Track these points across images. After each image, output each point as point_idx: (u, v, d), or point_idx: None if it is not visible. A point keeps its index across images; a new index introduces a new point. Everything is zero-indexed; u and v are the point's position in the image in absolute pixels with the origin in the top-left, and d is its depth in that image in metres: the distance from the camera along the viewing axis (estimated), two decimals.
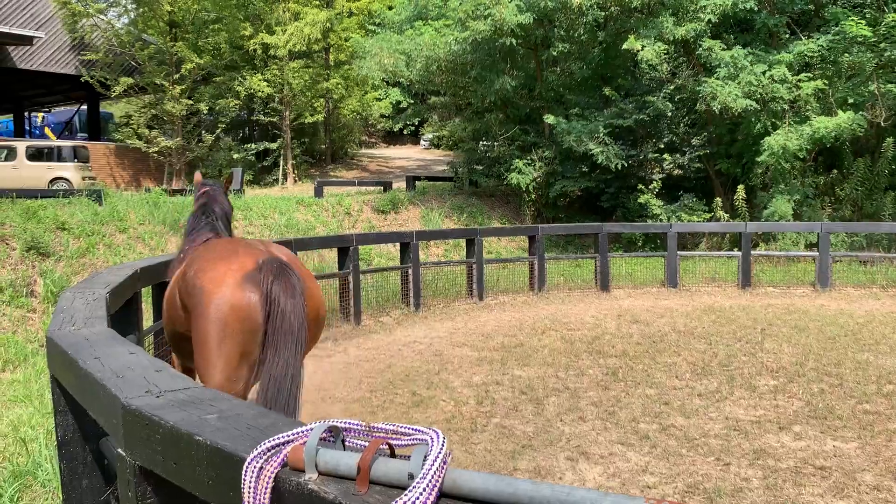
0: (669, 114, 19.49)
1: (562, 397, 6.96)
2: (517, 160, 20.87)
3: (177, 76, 26.75)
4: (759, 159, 17.11)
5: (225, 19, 29.89)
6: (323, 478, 1.49)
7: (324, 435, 1.54)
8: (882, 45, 16.40)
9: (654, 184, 19.52)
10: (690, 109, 19.97)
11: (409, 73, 22.42)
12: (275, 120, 31.47)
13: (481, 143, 26.60)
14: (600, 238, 14.28)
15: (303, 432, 1.55)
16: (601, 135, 18.87)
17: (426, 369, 8.09)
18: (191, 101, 27.95)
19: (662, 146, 20.09)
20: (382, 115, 40.19)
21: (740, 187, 18.15)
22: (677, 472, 5.09)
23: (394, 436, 1.51)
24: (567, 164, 21.17)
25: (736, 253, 14.62)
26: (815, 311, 11.54)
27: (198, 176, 5.55)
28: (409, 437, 1.48)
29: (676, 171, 20.86)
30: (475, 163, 25.06)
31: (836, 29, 16.82)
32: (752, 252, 14.72)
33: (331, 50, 34.05)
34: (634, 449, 5.56)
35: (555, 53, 20.60)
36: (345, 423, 1.55)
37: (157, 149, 26.63)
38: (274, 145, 31.81)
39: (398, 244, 13.03)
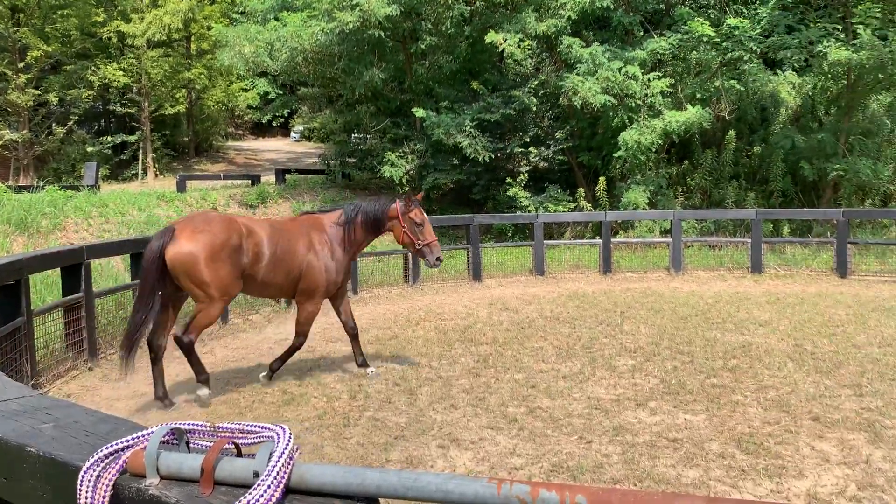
0: (534, 108, 20.12)
1: (434, 386, 7.06)
2: (389, 153, 20.89)
3: (21, 64, 24.80)
4: (616, 154, 18.00)
5: (75, 4, 27.99)
6: (165, 482, 1.44)
7: (166, 438, 1.49)
8: (724, 44, 17.65)
9: (522, 176, 20.11)
10: (554, 104, 20.70)
11: (274, 64, 21.89)
12: (133, 111, 29.85)
13: (353, 135, 26.44)
14: (472, 229, 14.55)
15: (143, 436, 1.49)
16: (469, 128, 19.23)
17: (298, 366, 7.96)
18: (38, 92, 26.03)
19: (528, 140, 20.73)
20: (250, 107, 39.06)
21: (601, 179, 19.04)
22: (543, 453, 5.29)
23: (240, 434, 1.48)
24: (439, 157, 21.41)
25: (597, 241, 15.32)
26: (669, 294, 12.30)
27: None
28: (255, 435, 1.45)
29: (542, 164, 21.58)
30: (347, 155, 24.89)
31: (685, 28, 17.95)
32: (612, 240, 15.49)
33: (192, 39, 32.67)
34: (503, 432, 5.73)
35: (423, 47, 20.76)
36: (188, 424, 1.50)
37: (1, 142, 24.61)
38: (132, 138, 30.18)
39: None
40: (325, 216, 7.33)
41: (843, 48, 15.66)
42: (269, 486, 1.28)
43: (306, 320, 7.26)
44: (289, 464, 1.35)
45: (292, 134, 47.93)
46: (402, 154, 21.00)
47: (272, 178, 26.66)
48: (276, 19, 23.26)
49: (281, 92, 34.81)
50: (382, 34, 19.41)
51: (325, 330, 10.03)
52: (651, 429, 5.78)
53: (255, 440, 1.45)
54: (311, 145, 42.56)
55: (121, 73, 27.73)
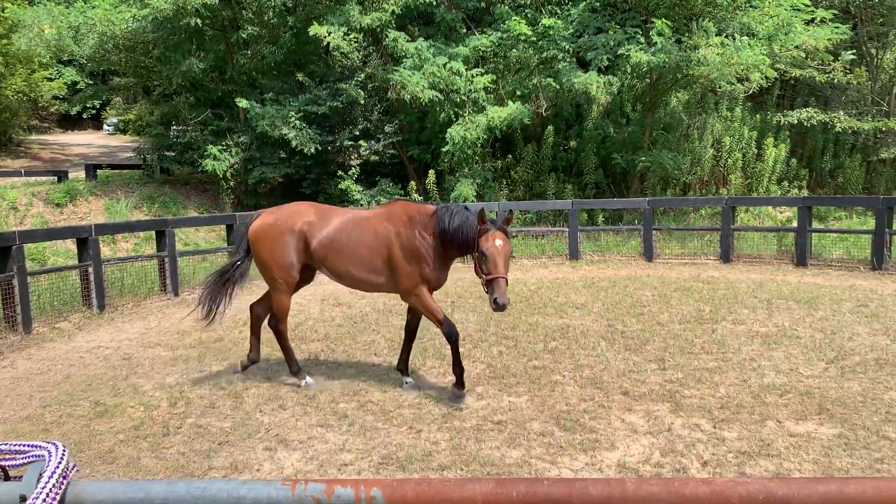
0: (362, 101, 20.09)
1: (262, 388, 6.86)
2: (211, 146, 20.03)
3: None
4: (444, 149, 18.41)
5: None
6: None
7: None
8: (540, 43, 18.55)
9: (353, 170, 20.04)
10: (382, 98, 20.79)
11: (80, 50, 20.24)
12: None
13: (172, 127, 25.05)
14: None
15: None
16: (295, 120, 18.87)
17: (112, 375, 7.43)
18: None
19: (358, 133, 20.67)
20: (56, 97, 35.85)
21: (431, 172, 19.41)
22: (373, 446, 5.31)
23: (8, 456, 1.34)
24: (265, 150, 20.82)
25: None
26: None
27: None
28: (24, 456, 1.32)
29: (373, 157, 21.62)
30: (166, 149, 23.55)
31: (505, 27, 18.67)
32: None
33: None
34: (333, 429, 5.68)
35: (245, 36, 20.08)
36: None
37: None
38: None
39: (75, 240, 11.74)
40: (418, 207, 6.50)
41: (643, 52, 16.97)
42: None
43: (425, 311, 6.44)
44: (61, 483, 1.24)
45: (105, 127, 44.59)
46: (225, 147, 20.21)
47: (82, 173, 24.67)
48: (85, 1, 21.50)
49: (91, 81, 32.22)
50: (200, 22, 18.53)
51: (143, 335, 9.45)
52: (478, 413, 5.97)
53: (25, 461, 1.32)
54: (126, 138, 39.84)
55: None
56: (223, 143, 20.44)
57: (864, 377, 6.66)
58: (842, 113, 20.44)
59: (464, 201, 18.01)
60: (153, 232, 13.23)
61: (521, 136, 21.02)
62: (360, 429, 5.67)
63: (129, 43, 20.19)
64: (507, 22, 18.45)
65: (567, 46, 18.40)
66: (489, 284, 5.70)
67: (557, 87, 19.35)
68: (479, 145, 18.83)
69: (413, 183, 19.97)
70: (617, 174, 20.72)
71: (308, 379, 6.84)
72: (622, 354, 7.71)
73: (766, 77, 18.34)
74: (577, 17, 18.74)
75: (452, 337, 6.23)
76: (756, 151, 20.62)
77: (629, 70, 18.44)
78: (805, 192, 20.40)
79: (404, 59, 18.15)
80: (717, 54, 16.22)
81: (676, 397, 6.26)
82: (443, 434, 5.51)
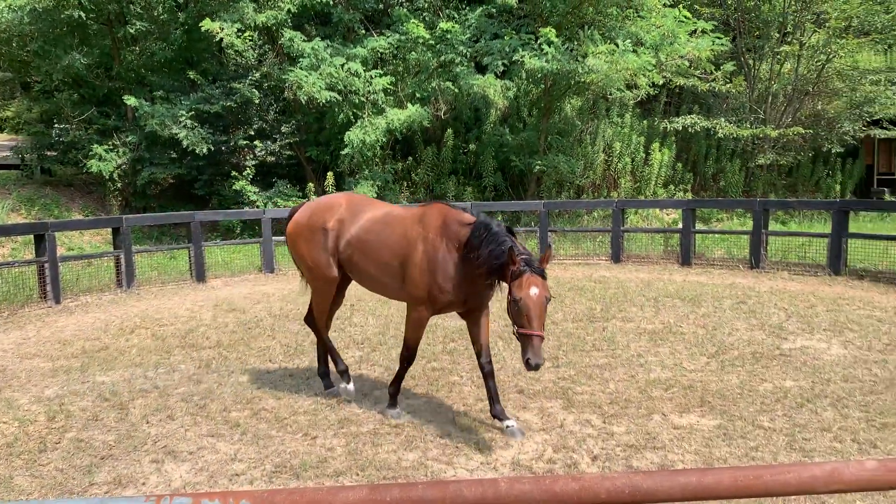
0: (257, 101, 19.63)
1: (150, 398, 6.57)
2: (97, 146, 19.05)
3: None
4: (343, 151, 18.23)
5: None
6: None
7: None
8: (438, 46, 18.69)
9: (248, 170, 19.54)
10: (278, 98, 20.38)
11: None
12: None
13: (54, 126, 23.65)
14: (193, 227, 13.82)
15: None
16: (186, 119, 18.24)
17: None
18: None
19: (253, 133, 20.17)
20: None
21: (330, 174, 19.19)
22: (266, 455, 5.18)
23: None
24: (155, 150, 19.98)
25: None
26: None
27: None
28: None
29: (269, 158, 21.15)
30: (47, 148, 22.17)
31: (403, 29, 18.70)
32: None
33: None
34: (225, 439, 5.51)
35: (133, 31, 19.23)
36: None
37: None
38: None
39: None
40: (456, 215, 5.60)
41: (537, 58, 17.39)
42: None
43: (408, 327, 5.84)
44: None
45: None
46: (111, 147, 19.28)
47: None
48: None
49: None
50: (83, 15, 17.61)
51: (19, 346, 8.88)
52: (375, 417, 5.94)
53: None
54: (3, 137, 37.34)
55: None
56: (110, 142, 19.48)
57: (741, 370, 7.06)
58: (723, 120, 21.63)
59: None
60: (30, 235, 12.44)
61: (421, 138, 21.10)
62: (252, 437, 5.53)
63: (4, 35, 18.94)
64: (405, 24, 18.49)
65: (464, 51, 18.62)
66: (522, 339, 4.84)
67: (456, 90, 19.53)
68: (379, 147, 18.78)
69: (311, 185, 19.68)
70: (515, 177, 21.14)
71: (349, 385, 6.49)
72: (518, 354, 7.85)
73: (653, 84, 19.18)
74: (474, 22, 19.00)
75: (405, 361, 5.88)
76: (644, 156, 21.52)
77: (524, 76, 18.85)
78: (689, 195, 21.45)
79: (301, 59, 17.87)
80: (605, 62, 16.83)
81: (569, 394, 6.43)
82: (339, 440, 5.45)
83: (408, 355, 5.85)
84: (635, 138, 21.57)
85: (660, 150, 21.26)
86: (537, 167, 19.28)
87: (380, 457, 5.10)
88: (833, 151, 22.44)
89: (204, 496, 1.21)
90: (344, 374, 6.51)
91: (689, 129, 21.66)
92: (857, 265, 12.48)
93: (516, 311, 4.82)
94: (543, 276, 4.90)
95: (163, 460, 5.13)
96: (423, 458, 5.10)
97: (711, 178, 23.00)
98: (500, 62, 18.10)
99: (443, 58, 18.71)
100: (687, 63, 19.88)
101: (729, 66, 21.16)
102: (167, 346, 8.62)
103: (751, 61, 23.00)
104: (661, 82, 19.53)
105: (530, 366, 4.78)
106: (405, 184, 20.80)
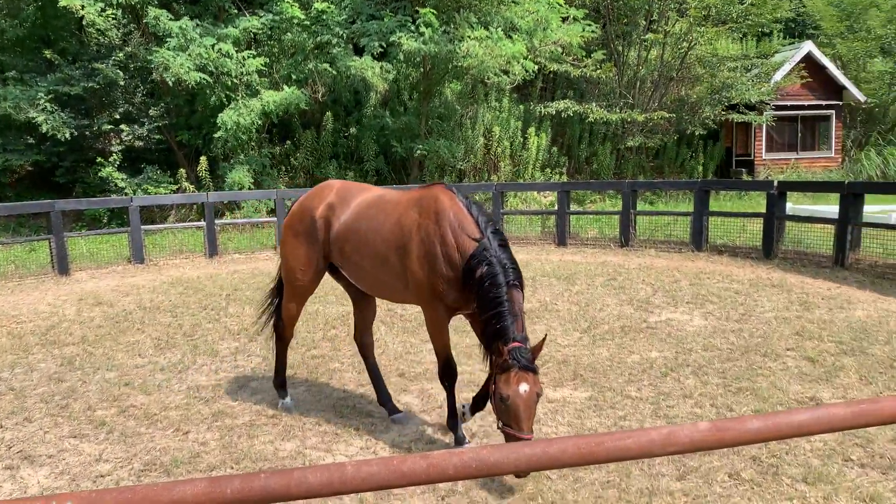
0: (122, 82, 18.58)
1: (4, 400, 6.11)
2: None
3: None
4: (216, 134, 17.57)
5: None
6: None
7: None
8: (314, 27, 18.31)
9: (115, 156, 18.50)
10: (145, 79, 19.36)
11: None
12: None
13: None
14: (53, 217, 12.94)
15: None
16: (44, 102, 17.02)
17: None
18: None
19: (119, 116, 19.08)
20: None
21: (203, 158, 18.45)
22: (135, 453, 4.94)
23: None
24: (9, 135, 18.56)
25: (202, 223, 14.83)
26: (276, 273, 12.42)
27: None
28: None
29: (137, 143, 20.09)
30: None
31: (277, 9, 18.17)
32: (218, 221, 15.14)
33: None
34: (89, 439, 5.21)
35: None
36: None
37: None
38: None
39: None
40: (456, 207, 4.74)
41: (413, 40, 17.38)
42: None
43: (430, 334, 5.01)
44: None
45: None
46: None
47: None
48: None
49: None
50: None
51: None
52: (251, 408, 5.79)
53: None
54: None
55: None
56: None
57: (611, 343, 7.39)
58: (594, 105, 22.43)
59: (239, 188, 17.35)
60: None
61: (299, 121, 20.66)
62: (120, 436, 5.26)
63: None
64: (279, 4, 17.97)
65: (341, 32, 18.34)
66: (509, 441, 4.05)
67: (334, 72, 19.22)
68: (255, 131, 18.22)
69: (183, 170, 18.86)
70: (397, 161, 21.10)
71: (286, 400, 5.82)
72: (400, 337, 7.88)
73: (527, 70, 19.60)
74: (350, 3, 18.73)
75: (442, 378, 4.96)
76: (522, 140, 22.02)
77: (402, 58, 18.80)
78: (565, 178, 22.17)
79: (168, 39, 17.03)
80: (481, 47, 17.05)
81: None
82: (213, 433, 5.28)
83: (442, 367, 4.94)
84: (513, 123, 22.02)
85: (537, 135, 21.81)
86: (419, 151, 19.32)
87: (256, 448, 4.98)
88: (696, 134, 23.77)
89: (26, 501, 1.13)
90: (281, 388, 5.92)
91: (564, 114, 22.33)
92: (717, 241, 13.32)
93: (503, 409, 4.11)
94: (535, 372, 4.17)
95: (18, 466, 4.78)
96: (301, 447, 5.02)
97: (585, 161, 23.84)
98: (377, 44, 17.95)
99: (319, 39, 18.35)
100: (560, 49, 20.45)
101: (599, 54, 21.94)
102: (25, 344, 8.05)
103: (620, 48, 23.94)
104: (535, 69, 19.99)
105: (517, 475, 3.84)
106: (284, 168, 20.32)
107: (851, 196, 11.17)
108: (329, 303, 9.79)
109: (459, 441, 4.92)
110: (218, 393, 6.16)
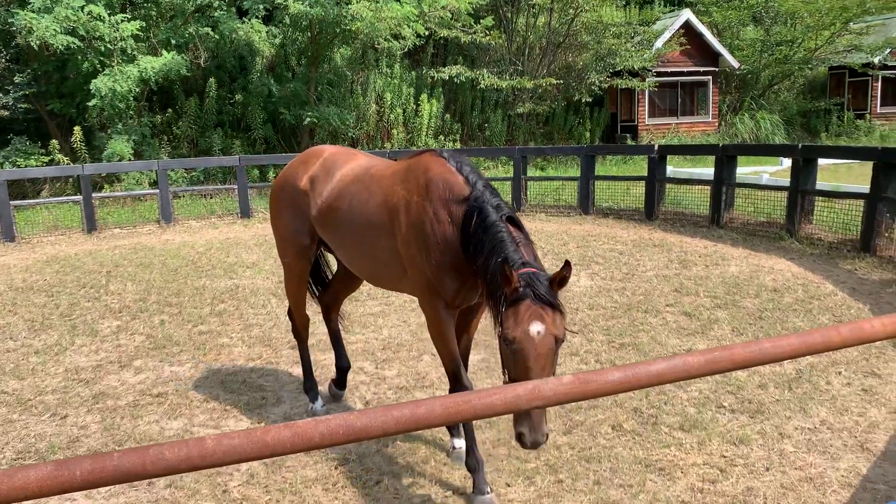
0: None
1: None
2: None
3: None
4: (91, 103, 16.55)
5: None
6: None
7: None
8: None
9: None
10: (9, 44, 17.94)
11: None
12: None
13: None
14: None
15: None
16: None
17: None
18: None
19: None
20: None
21: (77, 129, 17.35)
22: (7, 441, 4.66)
23: None
24: None
25: (78, 197, 13.99)
26: (160, 247, 11.95)
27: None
28: None
29: (3, 112, 18.65)
30: None
31: None
32: (96, 195, 14.34)
33: None
34: None
35: None
36: None
37: None
38: None
39: None
40: (447, 177, 3.83)
41: (301, 3, 16.87)
42: None
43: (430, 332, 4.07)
44: None
45: None
46: None
47: None
48: None
49: None
50: None
51: None
52: (135, 388, 5.56)
53: None
54: None
55: None
56: None
57: None
58: (486, 71, 22.57)
59: (119, 160, 16.46)
60: None
61: (181, 88, 19.73)
62: None
63: None
64: None
65: None
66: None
67: (217, 37, 18.44)
68: (133, 98, 17.26)
69: (56, 141, 17.68)
70: (286, 130, 20.56)
71: (316, 404, 5.10)
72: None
73: (418, 34, 19.45)
74: None
75: (451, 380, 4.02)
76: (415, 107, 21.92)
77: (289, 21, 18.23)
78: (458, 145, 22.28)
79: (31, 1, 15.80)
80: (370, 9, 16.76)
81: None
82: (93, 416, 5.04)
83: (452, 386, 4.04)
84: (405, 89, 21.87)
85: (429, 101, 21.76)
86: (308, 119, 18.90)
87: (140, 429, 4.80)
88: (583, 101, 24.35)
89: None
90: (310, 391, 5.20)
91: (456, 80, 22.36)
92: (603, 205, 13.79)
93: (509, 355, 3.11)
94: (553, 306, 3.08)
95: None
96: (188, 424, 4.88)
97: (478, 127, 24.03)
98: (261, 6, 17.32)
99: (199, 1, 17.50)
100: (449, 14, 20.38)
101: (489, 20, 22.02)
102: None
103: (509, 14, 24.12)
104: (425, 33, 19.85)
105: (525, 443, 3.05)
106: (166, 138, 19.40)
107: (726, 158, 11.80)
108: (216, 277, 9.50)
109: (478, 474, 3.91)
110: (99, 374, 5.89)
